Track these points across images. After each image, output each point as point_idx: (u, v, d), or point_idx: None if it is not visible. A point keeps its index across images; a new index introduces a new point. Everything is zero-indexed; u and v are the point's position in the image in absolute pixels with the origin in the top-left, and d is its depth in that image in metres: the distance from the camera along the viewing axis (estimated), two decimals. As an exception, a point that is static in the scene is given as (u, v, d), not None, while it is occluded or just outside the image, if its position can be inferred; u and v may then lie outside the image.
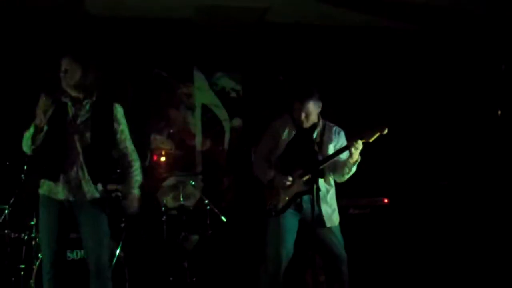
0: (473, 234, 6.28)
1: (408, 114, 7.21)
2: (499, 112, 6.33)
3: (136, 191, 4.14)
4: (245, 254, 5.97)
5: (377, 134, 4.48)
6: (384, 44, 7.09)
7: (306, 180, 4.57)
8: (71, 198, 3.94)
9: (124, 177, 4.17)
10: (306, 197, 4.59)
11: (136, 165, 4.20)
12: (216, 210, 5.90)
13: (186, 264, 5.67)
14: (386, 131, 4.51)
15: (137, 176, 4.17)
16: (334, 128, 4.81)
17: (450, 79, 7.22)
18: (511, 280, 5.57)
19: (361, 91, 7.14)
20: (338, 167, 4.68)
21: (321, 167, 4.60)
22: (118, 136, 4.13)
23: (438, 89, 7.24)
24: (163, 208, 5.78)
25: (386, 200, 6.35)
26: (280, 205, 4.59)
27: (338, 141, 4.77)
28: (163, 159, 6.70)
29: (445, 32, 7.11)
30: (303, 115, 4.65)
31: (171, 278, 5.60)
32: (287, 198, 4.60)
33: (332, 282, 4.78)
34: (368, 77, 7.17)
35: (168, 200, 6.18)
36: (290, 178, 4.58)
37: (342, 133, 4.83)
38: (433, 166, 7.15)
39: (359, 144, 4.49)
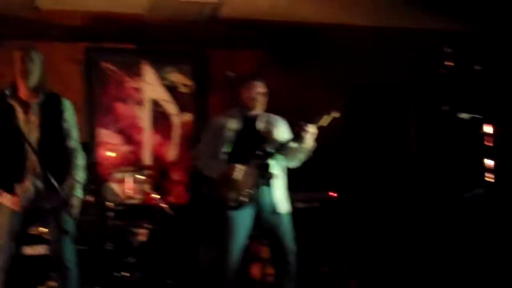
0: (419, 226, 6.38)
1: (361, 108, 7.29)
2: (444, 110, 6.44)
3: (77, 193, 4.09)
4: (194, 249, 5.93)
5: (327, 118, 4.61)
6: (336, 38, 7.13)
7: (261, 167, 4.59)
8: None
9: (65, 177, 4.11)
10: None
11: (78, 164, 4.15)
12: (164, 205, 5.86)
13: (133, 259, 5.60)
14: (337, 115, 4.61)
15: (78, 176, 4.12)
16: (276, 117, 4.88)
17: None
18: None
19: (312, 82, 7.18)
20: (289, 154, 4.75)
21: (273, 154, 4.66)
22: (64, 134, 4.08)
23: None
24: (109, 204, 5.70)
25: (334, 194, 6.40)
26: (242, 198, 4.60)
27: (282, 129, 4.82)
28: (110, 154, 6.61)
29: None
30: (252, 97, 4.70)
31: (117, 274, 5.53)
32: (247, 189, 4.60)
33: (280, 275, 4.81)
34: (322, 69, 7.21)
35: (115, 196, 6.11)
36: (243, 167, 4.57)
37: (285, 122, 4.87)
38: (383, 160, 7.23)
39: (310, 128, 4.56)
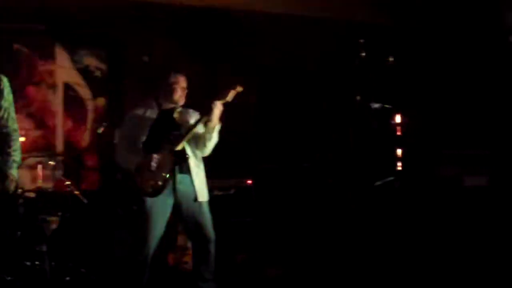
0: (333, 213, 6.53)
1: (277, 96, 7.36)
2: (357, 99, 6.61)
3: (14, 172, 3.95)
4: (108, 236, 5.83)
5: (231, 92, 4.66)
6: (251, 25, 7.14)
7: (175, 152, 4.57)
8: None
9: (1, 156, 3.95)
10: (180, 177, 4.65)
11: (16, 145, 4.01)
12: (77, 192, 5.72)
13: (44, 248, 5.44)
14: (240, 89, 4.70)
15: (16, 157, 3.98)
16: (192, 111, 4.87)
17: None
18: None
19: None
20: (199, 139, 4.77)
21: (183, 137, 4.66)
22: (1, 114, 3.91)
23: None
24: (19, 191, 5.50)
25: (249, 181, 6.45)
26: (158, 183, 4.55)
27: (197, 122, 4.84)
28: (21, 139, 6.36)
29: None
30: (178, 90, 4.67)
31: (28, 263, 5.37)
32: (163, 174, 4.56)
33: (199, 263, 4.82)
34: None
35: (25, 182, 5.91)
36: (156, 155, 4.54)
37: (197, 113, 4.88)
38: (298, 148, 7.34)
39: (216, 105, 4.61)
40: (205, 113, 4.70)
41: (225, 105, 4.71)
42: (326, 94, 7.59)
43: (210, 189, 5.00)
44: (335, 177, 7.09)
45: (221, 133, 4.80)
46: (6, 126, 3.98)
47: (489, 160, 6.72)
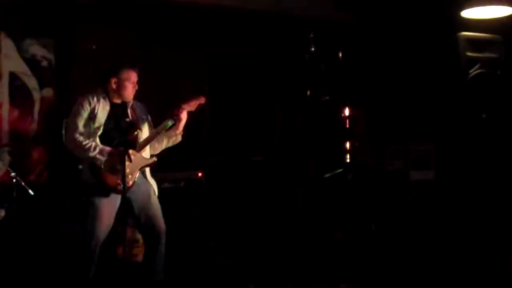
0: (286, 207, 6.58)
1: (228, 89, 7.36)
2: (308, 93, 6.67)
3: None
4: (53, 229, 5.74)
5: (196, 103, 4.75)
6: (202, 18, 7.13)
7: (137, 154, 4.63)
8: None
9: None
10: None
11: None
12: (23, 184, 5.61)
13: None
14: (203, 100, 4.80)
15: None
16: (141, 104, 4.87)
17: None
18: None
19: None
20: (159, 141, 4.82)
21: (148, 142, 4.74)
22: None
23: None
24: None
25: (200, 174, 6.46)
26: (129, 182, 4.55)
27: (146, 117, 4.88)
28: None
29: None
30: (129, 87, 4.64)
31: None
32: (132, 173, 4.59)
33: (151, 255, 4.83)
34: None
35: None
36: (133, 154, 4.56)
37: (144, 106, 4.93)
38: (248, 142, 7.37)
39: (184, 115, 4.67)
40: (172, 119, 4.69)
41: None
42: (276, 89, 7.64)
43: (161, 182, 5.00)
44: (285, 170, 7.15)
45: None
46: None
47: (435, 154, 6.86)
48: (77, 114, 4.66)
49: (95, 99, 4.69)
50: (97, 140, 4.61)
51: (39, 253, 5.57)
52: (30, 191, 5.63)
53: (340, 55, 7.05)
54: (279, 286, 5.25)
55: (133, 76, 4.76)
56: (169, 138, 4.84)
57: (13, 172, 5.66)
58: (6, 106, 6.53)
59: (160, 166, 5.00)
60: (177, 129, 4.75)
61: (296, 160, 6.96)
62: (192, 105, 4.78)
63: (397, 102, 7.28)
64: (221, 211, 6.56)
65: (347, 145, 5.34)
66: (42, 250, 5.60)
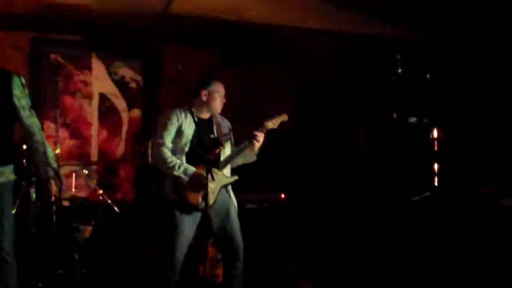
0: (370, 231, 6.43)
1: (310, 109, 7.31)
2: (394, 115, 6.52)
3: (55, 165, 3.99)
4: (140, 247, 5.82)
5: (279, 121, 4.66)
6: (287, 39, 7.13)
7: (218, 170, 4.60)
8: None
9: (35, 156, 3.98)
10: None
11: (44, 141, 4.03)
12: (109, 201, 5.73)
13: (76, 256, 5.45)
14: (286, 118, 4.69)
15: (50, 151, 4.01)
16: (225, 120, 4.86)
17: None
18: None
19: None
20: (238, 159, 4.77)
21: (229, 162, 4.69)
22: (20, 113, 3.94)
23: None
24: (52, 198, 5.53)
25: (283, 196, 6.40)
26: (210, 201, 4.51)
27: (229, 130, 4.84)
28: (57, 148, 6.42)
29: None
30: (218, 99, 4.65)
31: (60, 271, 5.38)
32: (212, 193, 4.54)
33: (229, 272, 4.75)
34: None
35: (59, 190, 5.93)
36: (210, 174, 4.50)
37: (229, 123, 4.88)
38: (331, 164, 7.28)
39: (261, 138, 4.60)
40: (249, 140, 4.62)
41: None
42: (361, 111, 7.53)
43: (245, 202, 4.97)
44: (371, 192, 7.00)
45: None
46: (30, 124, 3.99)
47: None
48: (165, 128, 4.64)
49: (182, 114, 4.70)
50: (183, 158, 4.62)
51: (123, 271, 5.65)
52: (116, 209, 5.74)
53: (428, 76, 6.85)
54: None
55: (222, 89, 4.76)
56: (244, 157, 4.79)
57: (100, 190, 5.79)
58: (95, 126, 6.73)
59: (244, 186, 4.98)
60: (252, 149, 4.71)
61: (383, 181, 6.81)
62: (275, 123, 4.71)
63: (487, 124, 7.03)
64: (303, 233, 6.47)
65: (435, 167, 5.16)
66: (126, 268, 5.69)
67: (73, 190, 5.84)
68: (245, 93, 6.94)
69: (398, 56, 6.68)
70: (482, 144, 6.92)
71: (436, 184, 5.21)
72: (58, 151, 5.91)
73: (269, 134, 4.69)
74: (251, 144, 4.61)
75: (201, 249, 5.47)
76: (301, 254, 6.31)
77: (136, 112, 6.90)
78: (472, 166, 6.83)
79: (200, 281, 5.62)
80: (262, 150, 4.73)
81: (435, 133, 5.42)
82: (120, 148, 6.81)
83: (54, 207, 5.47)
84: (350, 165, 7.48)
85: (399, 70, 6.70)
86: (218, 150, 4.67)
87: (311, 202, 6.96)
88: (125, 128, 6.84)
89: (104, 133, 6.76)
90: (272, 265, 6.06)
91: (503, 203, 6.24)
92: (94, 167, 6.48)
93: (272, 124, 4.69)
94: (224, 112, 4.85)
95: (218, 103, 4.74)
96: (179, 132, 4.64)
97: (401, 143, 6.66)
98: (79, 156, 6.59)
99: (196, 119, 4.71)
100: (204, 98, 4.71)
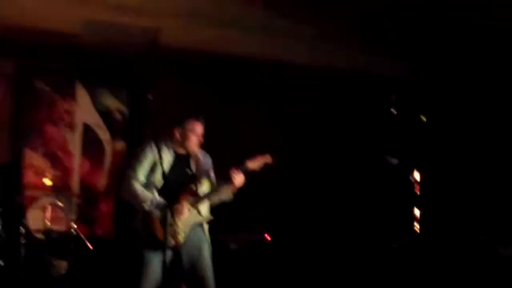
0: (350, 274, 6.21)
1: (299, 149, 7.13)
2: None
3: None
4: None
5: (261, 162, 4.48)
6: (276, 76, 6.99)
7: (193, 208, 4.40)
8: None
9: None
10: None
11: None
12: (82, 237, 5.52)
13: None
14: (269, 160, 4.50)
15: None
16: (205, 155, 4.68)
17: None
18: None
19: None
20: (214, 198, 4.57)
21: (204, 198, 4.48)
22: None
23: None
24: (23, 230, 5.33)
25: (267, 236, 6.20)
26: (179, 238, 4.33)
27: (210, 169, 4.63)
28: (36, 178, 6.24)
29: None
30: (193, 139, 4.48)
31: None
32: (185, 229, 4.36)
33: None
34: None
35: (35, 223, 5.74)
36: (186, 207, 4.35)
37: (211, 161, 4.68)
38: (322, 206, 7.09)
39: (241, 176, 4.42)
40: (227, 182, 4.43)
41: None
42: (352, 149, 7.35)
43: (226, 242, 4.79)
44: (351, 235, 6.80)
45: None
46: None
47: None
48: (137, 161, 4.47)
49: (159, 148, 4.54)
50: (156, 193, 4.44)
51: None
52: (89, 245, 5.53)
53: (424, 118, 6.70)
54: None
55: (198, 128, 4.59)
56: (219, 195, 4.60)
57: (75, 225, 5.59)
58: (78, 157, 6.55)
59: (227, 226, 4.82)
60: (230, 189, 4.52)
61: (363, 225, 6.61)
62: (257, 163, 4.55)
63: (478, 172, 6.85)
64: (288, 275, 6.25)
65: (416, 212, 4.94)
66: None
67: (48, 223, 5.63)
68: (231, 132, 6.78)
69: (393, 96, 6.55)
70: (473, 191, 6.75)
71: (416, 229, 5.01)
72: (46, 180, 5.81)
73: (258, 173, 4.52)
74: (228, 183, 4.44)
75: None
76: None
77: (121, 145, 6.72)
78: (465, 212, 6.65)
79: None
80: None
81: (416, 176, 5.24)
82: (102, 181, 6.61)
83: (24, 241, 5.29)
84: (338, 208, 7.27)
85: (394, 110, 6.57)
86: (194, 186, 4.50)
87: (297, 243, 6.75)
88: (108, 160, 6.66)
89: (87, 165, 6.57)
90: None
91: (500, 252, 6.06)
92: (74, 199, 6.26)
93: (254, 164, 4.53)
94: (208, 150, 4.68)
95: (192, 143, 4.57)
96: (154, 166, 4.45)
97: (382, 184, 6.50)
98: (59, 187, 6.33)
99: (173, 153, 4.54)
100: (178, 136, 4.56)
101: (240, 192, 4.59)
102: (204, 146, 4.65)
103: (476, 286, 5.65)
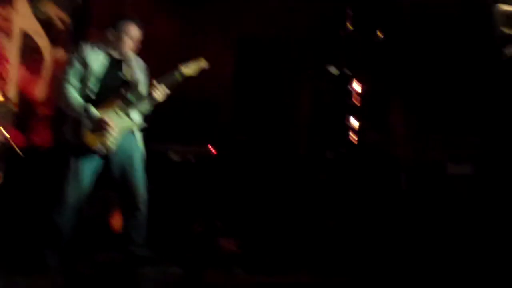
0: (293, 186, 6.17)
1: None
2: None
3: None
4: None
5: (196, 67, 4.43)
6: None
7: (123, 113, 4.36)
8: None
9: None
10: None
11: None
12: (13, 144, 5.35)
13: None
14: (204, 64, 4.47)
15: None
16: (140, 61, 4.57)
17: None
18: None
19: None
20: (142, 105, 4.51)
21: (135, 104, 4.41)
22: None
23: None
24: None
25: (212, 149, 6.11)
26: (110, 145, 4.28)
27: (145, 74, 4.57)
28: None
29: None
30: (127, 41, 4.35)
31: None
32: (114, 136, 4.27)
33: (128, 223, 4.55)
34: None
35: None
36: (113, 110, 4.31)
37: (145, 67, 4.59)
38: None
39: (163, 89, 4.36)
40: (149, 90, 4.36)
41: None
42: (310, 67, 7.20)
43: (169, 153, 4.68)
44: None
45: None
46: None
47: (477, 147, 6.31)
48: (69, 64, 4.37)
49: (93, 51, 4.37)
50: (90, 105, 4.29)
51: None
52: (20, 152, 5.37)
53: (379, 33, 6.54)
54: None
55: (133, 31, 4.43)
56: (145, 103, 4.50)
57: (6, 134, 5.42)
58: (15, 64, 6.30)
59: (171, 137, 4.69)
60: (152, 100, 4.42)
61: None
62: (192, 68, 4.42)
63: (438, 88, 6.74)
64: (232, 190, 6.19)
65: (353, 123, 4.84)
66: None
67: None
68: (181, 40, 6.58)
69: (349, 11, 6.41)
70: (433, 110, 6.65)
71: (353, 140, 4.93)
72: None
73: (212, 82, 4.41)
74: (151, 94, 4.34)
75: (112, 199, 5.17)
76: (229, 211, 6.04)
77: (61, 53, 6.47)
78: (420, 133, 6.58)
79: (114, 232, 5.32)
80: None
81: (356, 86, 5.12)
82: (40, 90, 6.39)
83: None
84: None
85: (349, 26, 6.44)
86: (124, 91, 4.35)
87: (248, 159, 6.68)
88: (47, 68, 6.42)
89: (24, 73, 6.33)
90: (195, 220, 5.78)
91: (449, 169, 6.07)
92: (11, 105, 6.06)
93: (188, 69, 4.40)
94: (156, 59, 4.61)
95: (125, 45, 4.41)
96: (87, 70, 4.31)
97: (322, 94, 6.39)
98: (-6, 95, 6.17)
99: (107, 56, 4.37)
100: (110, 38, 4.39)
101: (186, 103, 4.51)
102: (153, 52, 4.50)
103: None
